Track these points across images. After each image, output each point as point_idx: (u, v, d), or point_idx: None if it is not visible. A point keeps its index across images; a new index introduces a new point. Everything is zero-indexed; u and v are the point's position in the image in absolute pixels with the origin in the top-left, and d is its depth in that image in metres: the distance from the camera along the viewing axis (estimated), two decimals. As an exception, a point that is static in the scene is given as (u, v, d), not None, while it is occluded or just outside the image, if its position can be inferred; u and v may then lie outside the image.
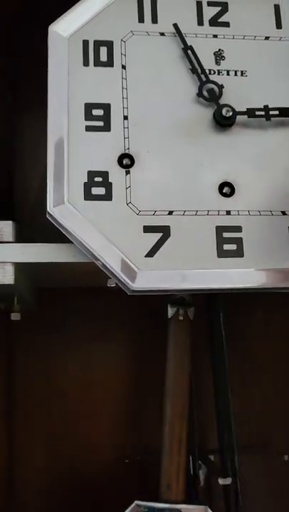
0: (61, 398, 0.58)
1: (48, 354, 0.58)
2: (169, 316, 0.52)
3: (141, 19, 0.48)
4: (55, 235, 0.44)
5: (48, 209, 0.43)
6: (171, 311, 0.52)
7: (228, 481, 0.53)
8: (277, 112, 0.46)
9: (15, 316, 0.48)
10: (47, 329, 0.58)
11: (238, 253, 0.44)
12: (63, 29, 0.47)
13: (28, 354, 0.58)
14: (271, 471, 0.60)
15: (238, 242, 0.44)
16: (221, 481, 0.53)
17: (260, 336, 0.64)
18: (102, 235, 0.43)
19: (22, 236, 0.46)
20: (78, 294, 0.58)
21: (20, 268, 0.44)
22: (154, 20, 0.49)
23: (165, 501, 0.49)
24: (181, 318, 0.52)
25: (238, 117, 0.46)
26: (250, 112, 0.46)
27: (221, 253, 0.44)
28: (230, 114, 0.46)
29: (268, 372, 0.63)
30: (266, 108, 0.46)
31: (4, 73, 0.63)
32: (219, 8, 0.50)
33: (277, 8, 0.50)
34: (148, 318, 0.58)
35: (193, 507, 0.48)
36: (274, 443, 0.61)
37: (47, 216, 0.43)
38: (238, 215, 0.45)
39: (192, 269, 0.43)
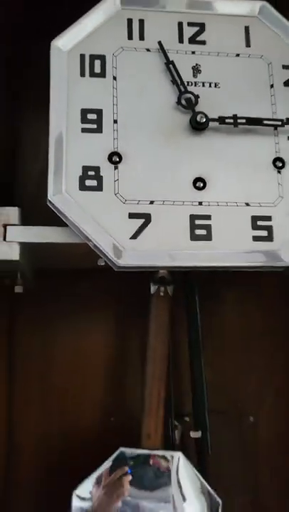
0: (55, 362, 0.66)
1: (44, 324, 0.66)
2: (152, 293, 0.60)
3: (130, 37, 0.57)
4: (52, 218, 0.52)
5: (48, 197, 0.51)
6: (153, 289, 0.60)
7: (199, 434, 0.61)
8: (244, 121, 0.54)
9: (18, 289, 0.56)
10: (43, 303, 0.66)
11: (208, 237, 0.52)
12: (63, 44, 0.55)
13: (28, 322, 0.66)
14: (238, 430, 0.68)
15: (208, 228, 0.52)
16: (192, 434, 0.62)
17: (233, 313, 0.72)
18: (94, 220, 0.51)
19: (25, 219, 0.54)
20: (72, 275, 0.66)
21: (24, 247, 0.52)
22: (142, 37, 0.57)
23: (146, 448, 0.57)
24: (161, 294, 0.60)
25: (211, 123, 0.54)
26: (221, 120, 0.54)
27: (193, 237, 0.52)
28: (204, 120, 0.54)
29: (239, 345, 0.72)
30: (235, 117, 0.54)
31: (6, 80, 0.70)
32: (197, 28, 0.58)
33: (247, 29, 0.59)
34: (132, 295, 0.66)
35: (170, 452, 0.57)
36: (241, 407, 0.70)
37: (47, 203, 0.52)
38: (209, 205, 0.53)
39: (169, 250, 0.52)
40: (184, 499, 0.56)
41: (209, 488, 0.55)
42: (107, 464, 0.56)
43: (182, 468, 0.57)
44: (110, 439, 0.62)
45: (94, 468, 0.55)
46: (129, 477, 0.55)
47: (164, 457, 0.57)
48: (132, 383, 0.68)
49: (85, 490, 0.54)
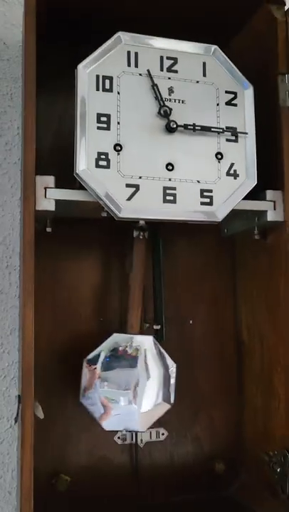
0: (63, 285, 0.97)
1: (55, 256, 0.96)
2: (134, 236, 0.91)
3: (128, 64, 0.84)
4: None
5: (76, 171, 0.79)
6: (135, 233, 0.91)
7: (158, 327, 0.96)
8: (199, 128, 0.84)
9: (49, 230, 0.85)
10: (62, 241, 0.94)
11: (174, 201, 0.83)
12: (85, 67, 0.82)
13: (53, 252, 0.95)
14: (181, 329, 1.03)
15: (174, 195, 0.83)
16: (154, 327, 0.96)
17: (184, 253, 1.05)
18: (104, 187, 0.80)
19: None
20: (80, 222, 0.92)
21: (57, 202, 0.81)
22: (136, 65, 0.84)
23: (130, 333, 0.90)
24: (141, 237, 0.91)
25: (179, 128, 0.84)
26: (185, 126, 0.84)
27: (165, 201, 0.82)
28: (174, 126, 0.83)
29: (190, 277, 1.05)
30: (194, 125, 0.84)
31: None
32: (172, 61, 0.85)
33: (204, 64, 0.87)
34: (118, 239, 0.97)
35: (143, 336, 0.91)
36: (185, 315, 1.04)
37: (74, 175, 0.80)
38: (175, 181, 0.83)
39: (149, 208, 0.82)
40: (148, 377, 0.90)
41: (166, 354, 0.90)
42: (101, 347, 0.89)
43: (149, 351, 0.91)
44: (101, 332, 0.94)
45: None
46: None
47: (135, 348, 0.90)
48: (117, 303, 1.00)
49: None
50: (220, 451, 1.03)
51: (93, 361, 0.88)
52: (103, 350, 0.89)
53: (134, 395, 0.88)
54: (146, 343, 0.90)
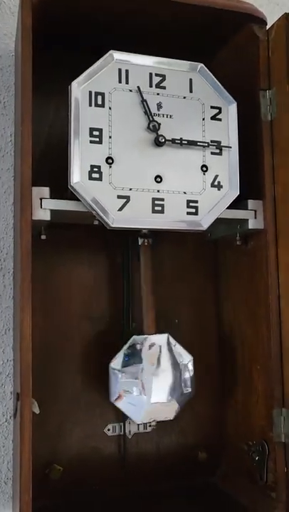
0: (55, 287, 1.02)
1: (54, 260, 1.01)
2: (140, 244, 0.96)
3: (120, 81, 0.88)
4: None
5: (70, 184, 0.84)
6: (140, 241, 0.96)
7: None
8: (186, 142, 0.90)
9: (43, 237, 0.90)
10: (56, 246, 1.00)
11: (162, 211, 0.89)
12: (78, 84, 0.86)
13: (46, 258, 1.00)
14: (169, 327, 1.09)
15: (162, 206, 0.88)
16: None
17: (169, 257, 1.11)
18: (96, 198, 0.85)
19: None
20: (74, 228, 0.98)
21: (52, 212, 0.86)
22: (127, 82, 0.89)
23: (147, 334, 0.96)
24: (146, 244, 0.96)
25: (167, 142, 0.89)
26: (173, 140, 0.89)
27: (154, 211, 0.88)
28: (163, 140, 0.89)
29: (174, 278, 1.11)
30: (181, 139, 0.90)
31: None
32: (161, 78, 0.90)
33: (190, 80, 0.92)
34: (110, 245, 1.03)
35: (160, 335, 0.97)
36: (171, 313, 1.11)
37: (69, 187, 0.85)
38: (163, 192, 0.89)
39: (139, 218, 0.88)
40: (159, 372, 0.95)
41: (182, 350, 0.96)
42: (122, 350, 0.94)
43: (164, 348, 0.97)
44: (91, 332, 1.00)
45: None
46: None
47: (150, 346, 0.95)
48: (104, 300, 1.06)
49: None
50: (203, 441, 1.10)
51: (116, 363, 0.94)
52: (123, 351, 0.95)
53: (144, 387, 0.93)
54: (160, 340, 0.97)
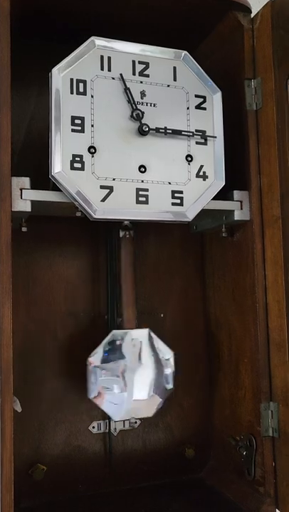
0: (38, 281, 1.00)
1: (35, 253, 0.99)
2: (121, 236, 0.94)
3: (102, 68, 0.86)
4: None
5: (51, 173, 0.82)
6: (121, 233, 0.93)
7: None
8: (170, 131, 0.88)
9: (24, 229, 0.87)
10: (37, 239, 0.97)
11: (146, 202, 0.87)
12: (59, 71, 0.83)
13: (29, 250, 0.98)
14: (153, 321, 1.08)
15: (146, 197, 0.86)
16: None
17: (153, 247, 1.09)
18: (79, 188, 0.83)
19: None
20: (55, 220, 0.96)
21: (33, 203, 0.83)
22: (109, 69, 0.86)
23: (127, 329, 0.93)
24: (127, 236, 0.94)
25: (150, 131, 0.87)
26: (157, 129, 0.87)
27: (137, 202, 0.86)
28: (146, 129, 0.86)
29: (159, 271, 1.09)
30: (165, 128, 0.88)
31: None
32: (144, 65, 0.88)
33: (174, 68, 0.90)
34: (94, 235, 1.00)
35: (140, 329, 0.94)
36: (156, 309, 1.09)
37: (50, 177, 0.82)
38: (147, 183, 0.87)
39: (123, 209, 0.86)
40: (140, 368, 0.92)
41: (163, 345, 0.94)
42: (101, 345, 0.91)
43: (144, 343, 0.94)
44: (75, 327, 0.97)
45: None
46: None
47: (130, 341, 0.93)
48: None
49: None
50: (190, 437, 1.09)
51: (95, 358, 0.91)
52: (103, 346, 0.92)
53: (125, 384, 0.91)
54: (141, 336, 0.94)
